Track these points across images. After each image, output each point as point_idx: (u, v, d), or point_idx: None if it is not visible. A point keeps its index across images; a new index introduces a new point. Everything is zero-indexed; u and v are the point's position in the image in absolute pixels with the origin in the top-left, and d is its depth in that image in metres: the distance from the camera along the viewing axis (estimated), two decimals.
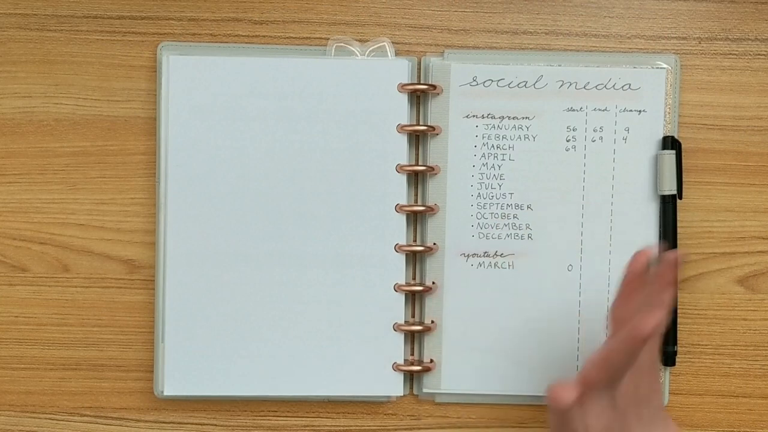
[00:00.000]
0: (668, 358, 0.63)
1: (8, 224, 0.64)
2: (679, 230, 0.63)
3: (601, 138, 0.62)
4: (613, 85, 0.62)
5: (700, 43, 0.64)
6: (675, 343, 0.63)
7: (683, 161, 0.62)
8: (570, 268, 0.62)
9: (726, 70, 0.64)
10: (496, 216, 0.62)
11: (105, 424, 0.64)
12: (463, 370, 0.63)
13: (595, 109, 0.62)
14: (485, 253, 0.63)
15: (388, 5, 0.64)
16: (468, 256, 0.63)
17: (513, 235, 0.63)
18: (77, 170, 0.64)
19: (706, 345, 0.64)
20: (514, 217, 0.62)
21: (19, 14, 0.64)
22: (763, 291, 0.64)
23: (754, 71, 0.64)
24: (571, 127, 0.62)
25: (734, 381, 0.64)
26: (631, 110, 0.62)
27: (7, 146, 0.64)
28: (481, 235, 0.63)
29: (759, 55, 0.64)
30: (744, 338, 0.64)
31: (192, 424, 0.64)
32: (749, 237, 0.64)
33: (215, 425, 0.64)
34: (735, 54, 0.64)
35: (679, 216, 0.63)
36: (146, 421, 0.64)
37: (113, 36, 0.64)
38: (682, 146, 0.62)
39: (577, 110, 0.62)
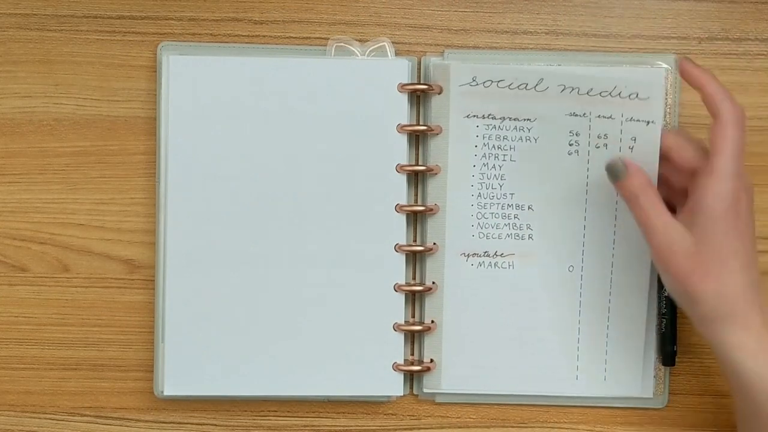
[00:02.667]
0: (668, 358, 0.62)
1: (8, 224, 0.64)
2: None
3: (605, 145, 0.61)
4: (619, 93, 0.60)
5: (700, 43, 0.64)
6: (675, 343, 0.62)
7: None
8: (571, 269, 0.62)
9: (726, 70, 0.64)
10: (497, 216, 0.62)
11: (105, 424, 0.64)
12: (463, 370, 0.63)
13: (599, 116, 0.61)
14: (485, 253, 0.63)
15: (388, 5, 0.64)
16: (468, 256, 0.63)
17: (513, 235, 0.62)
18: (77, 170, 0.64)
19: (706, 345, 0.64)
20: (514, 217, 0.62)
21: (19, 14, 0.64)
22: (763, 291, 0.64)
23: (754, 71, 0.64)
24: (574, 132, 0.61)
25: None
26: (638, 120, 0.60)
27: (7, 146, 0.64)
28: (482, 235, 0.62)
29: (759, 55, 0.64)
30: None
31: (192, 424, 0.64)
32: None
33: (215, 425, 0.64)
34: (735, 54, 0.64)
35: None
36: (146, 421, 0.64)
37: (113, 36, 0.64)
38: None
39: (580, 116, 0.61)
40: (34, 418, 0.64)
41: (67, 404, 0.64)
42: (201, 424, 0.64)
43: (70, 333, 0.64)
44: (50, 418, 0.64)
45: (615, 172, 0.56)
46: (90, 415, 0.64)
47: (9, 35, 0.64)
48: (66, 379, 0.64)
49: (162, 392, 0.62)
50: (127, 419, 0.64)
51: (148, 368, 0.64)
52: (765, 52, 0.64)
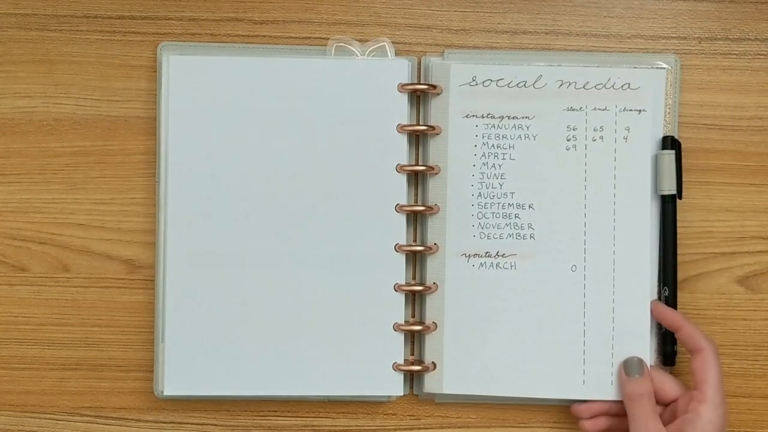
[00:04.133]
0: (668, 357, 0.63)
1: (8, 224, 0.64)
2: (679, 230, 0.63)
3: (601, 137, 0.62)
4: (613, 85, 0.62)
5: (700, 43, 0.64)
6: (675, 342, 0.62)
7: (683, 161, 0.62)
8: (574, 268, 0.62)
9: (726, 70, 0.64)
10: (497, 216, 0.62)
11: (105, 424, 0.64)
12: (464, 372, 0.62)
13: (595, 109, 0.62)
14: (486, 253, 0.62)
15: (388, 5, 0.64)
16: (469, 256, 0.62)
17: (515, 235, 0.62)
18: (77, 170, 0.64)
19: None
20: (515, 217, 0.62)
21: (19, 14, 0.64)
22: (763, 291, 0.64)
23: (754, 71, 0.64)
24: (572, 127, 0.62)
25: (734, 381, 0.64)
26: (631, 110, 0.62)
27: (7, 146, 0.64)
28: (482, 235, 0.62)
29: (759, 55, 0.64)
30: (744, 338, 0.64)
31: (192, 424, 0.64)
32: (749, 237, 0.64)
33: (215, 425, 0.64)
34: (735, 54, 0.64)
35: (679, 216, 0.63)
36: (146, 421, 0.64)
37: (113, 36, 0.64)
38: (682, 146, 0.62)
39: (577, 110, 0.62)
40: (34, 418, 0.64)
41: (67, 404, 0.64)
42: (201, 424, 0.64)
43: (70, 333, 0.64)
44: (50, 418, 0.64)
45: (630, 368, 0.61)
46: (90, 415, 0.64)
47: (9, 35, 0.64)
48: (66, 379, 0.64)
49: (162, 392, 0.62)
50: (127, 419, 0.64)
51: (148, 368, 0.64)
52: (765, 52, 0.64)
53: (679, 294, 0.63)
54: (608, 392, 0.62)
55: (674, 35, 0.64)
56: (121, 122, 0.64)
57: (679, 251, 0.63)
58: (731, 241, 0.64)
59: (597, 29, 0.64)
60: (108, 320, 0.64)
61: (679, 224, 0.63)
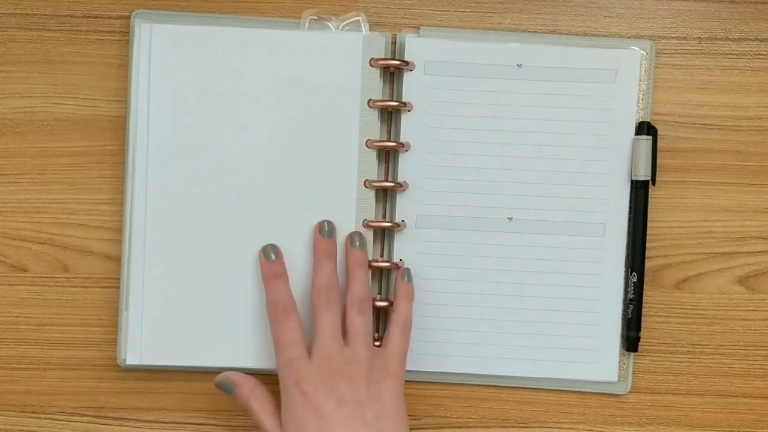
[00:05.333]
0: (632, 343, 0.63)
1: (8, 224, 0.64)
2: (679, 230, 0.63)
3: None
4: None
5: (700, 43, 0.64)
6: (639, 329, 0.63)
7: (683, 161, 0.62)
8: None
9: (726, 70, 0.64)
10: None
11: (105, 424, 0.64)
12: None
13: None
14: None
15: (387, 5, 0.64)
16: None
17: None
18: (77, 170, 0.64)
19: (706, 345, 0.64)
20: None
21: (19, 14, 0.64)
22: (763, 291, 0.64)
23: (754, 71, 0.64)
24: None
25: (734, 381, 0.64)
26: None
27: (7, 146, 0.64)
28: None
29: (759, 55, 0.64)
30: (744, 338, 0.64)
31: (192, 424, 0.64)
32: (749, 237, 0.64)
33: (215, 425, 0.64)
34: (735, 54, 0.64)
35: (679, 216, 0.63)
36: (146, 421, 0.64)
37: (113, 36, 0.64)
38: (683, 146, 0.62)
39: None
40: (34, 418, 0.64)
41: (67, 404, 0.64)
42: (201, 424, 0.64)
43: (70, 333, 0.64)
44: (50, 418, 0.64)
45: (225, 388, 0.60)
46: (90, 415, 0.64)
47: (9, 35, 0.64)
48: (66, 379, 0.64)
49: (125, 361, 0.62)
50: (127, 419, 0.64)
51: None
52: (765, 52, 0.64)
53: (679, 294, 0.63)
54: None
55: (674, 35, 0.64)
56: (121, 122, 0.64)
57: (679, 251, 0.63)
58: (731, 241, 0.64)
59: (597, 29, 0.64)
60: (108, 320, 0.64)
61: (679, 224, 0.63)
